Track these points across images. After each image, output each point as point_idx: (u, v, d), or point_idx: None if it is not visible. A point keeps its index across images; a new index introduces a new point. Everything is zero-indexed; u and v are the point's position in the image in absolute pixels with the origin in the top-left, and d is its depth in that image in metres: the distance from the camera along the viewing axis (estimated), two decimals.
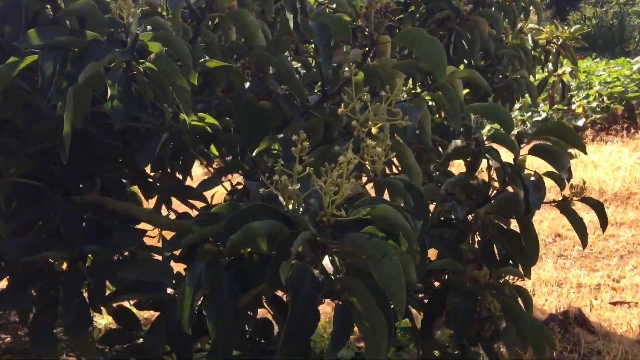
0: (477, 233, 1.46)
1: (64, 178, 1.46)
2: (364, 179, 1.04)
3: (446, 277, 1.45)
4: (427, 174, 1.66)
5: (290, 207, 0.93)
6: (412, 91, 1.46)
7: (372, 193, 1.05)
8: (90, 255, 1.43)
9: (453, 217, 1.47)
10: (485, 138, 1.44)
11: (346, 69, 1.37)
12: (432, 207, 1.90)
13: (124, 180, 1.67)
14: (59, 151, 1.38)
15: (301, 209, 0.91)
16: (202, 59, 1.22)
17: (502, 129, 1.38)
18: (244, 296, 0.86)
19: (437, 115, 2.10)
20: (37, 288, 1.40)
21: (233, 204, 0.94)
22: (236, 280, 0.88)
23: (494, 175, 1.49)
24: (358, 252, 0.83)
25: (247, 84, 1.27)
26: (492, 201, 1.46)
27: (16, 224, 1.54)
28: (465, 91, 2.82)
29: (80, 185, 1.46)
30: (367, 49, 1.26)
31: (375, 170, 0.94)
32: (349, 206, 0.89)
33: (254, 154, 1.12)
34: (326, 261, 0.87)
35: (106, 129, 1.34)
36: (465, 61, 2.41)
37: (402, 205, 0.92)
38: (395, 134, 1.11)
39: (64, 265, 1.44)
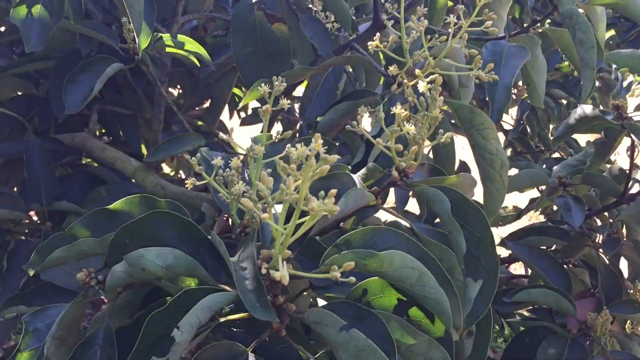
0: (600, 251, 0.95)
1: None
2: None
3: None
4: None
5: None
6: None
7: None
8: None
9: (562, 221, 0.97)
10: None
11: None
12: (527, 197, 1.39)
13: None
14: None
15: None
16: None
17: None
18: None
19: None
20: None
21: (148, 197, 0.53)
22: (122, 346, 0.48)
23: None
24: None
25: None
26: (631, 204, 0.94)
27: None
28: (610, 33, 2.18)
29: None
30: None
31: (404, 166, 0.48)
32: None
33: (239, 106, 0.70)
34: None
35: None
36: None
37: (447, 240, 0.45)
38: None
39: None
